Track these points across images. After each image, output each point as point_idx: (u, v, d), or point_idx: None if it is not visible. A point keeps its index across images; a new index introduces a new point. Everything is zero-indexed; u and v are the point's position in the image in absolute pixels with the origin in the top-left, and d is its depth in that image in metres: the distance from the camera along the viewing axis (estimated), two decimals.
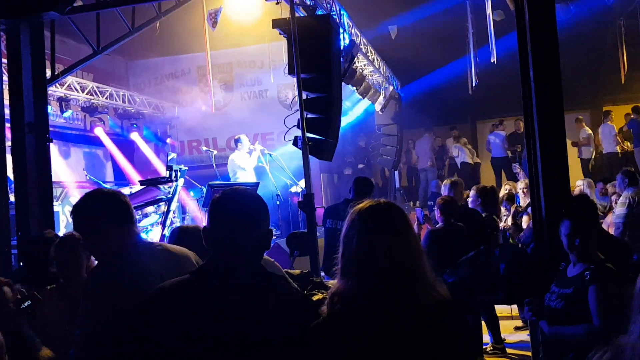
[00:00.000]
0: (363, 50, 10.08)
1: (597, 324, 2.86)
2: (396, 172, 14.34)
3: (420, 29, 11.71)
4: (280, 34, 6.02)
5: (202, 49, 10.50)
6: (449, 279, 4.38)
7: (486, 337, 5.75)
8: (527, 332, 5.03)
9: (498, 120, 13.77)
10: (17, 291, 2.98)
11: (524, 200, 7.36)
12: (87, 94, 11.52)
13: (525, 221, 6.47)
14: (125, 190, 9.20)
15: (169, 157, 8.75)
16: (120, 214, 2.30)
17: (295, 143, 5.74)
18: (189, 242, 2.65)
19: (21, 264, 4.65)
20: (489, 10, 10.01)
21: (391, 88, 12.72)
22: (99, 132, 12.40)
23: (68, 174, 11.12)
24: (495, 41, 10.11)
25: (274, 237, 4.20)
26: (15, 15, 5.44)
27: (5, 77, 5.61)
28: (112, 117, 12.82)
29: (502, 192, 7.76)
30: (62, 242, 3.14)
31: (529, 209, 5.20)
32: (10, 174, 5.64)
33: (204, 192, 8.85)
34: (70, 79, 10.70)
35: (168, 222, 8.19)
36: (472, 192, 6.12)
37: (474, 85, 11.89)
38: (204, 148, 12.68)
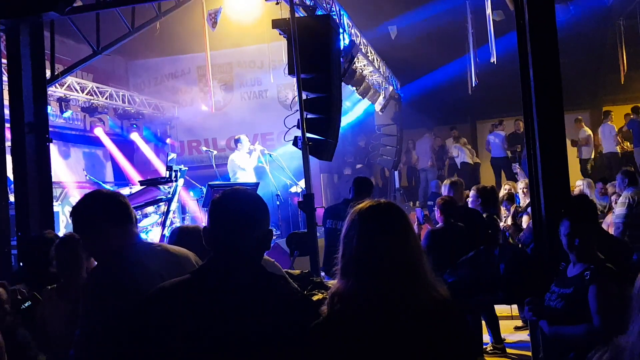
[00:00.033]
0: (363, 50, 10.08)
1: (597, 323, 2.86)
2: (396, 172, 14.34)
3: (420, 29, 11.71)
4: (280, 34, 6.02)
5: (202, 49, 10.50)
6: (449, 279, 4.38)
7: (486, 337, 5.75)
8: (527, 332, 5.03)
9: (498, 120, 13.77)
10: (18, 292, 2.99)
11: (523, 200, 7.36)
12: (86, 94, 11.52)
13: (525, 221, 6.47)
14: (125, 191, 9.21)
15: (169, 158, 8.76)
16: (120, 214, 2.30)
17: (295, 143, 5.74)
18: (189, 242, 2.66)
19: (21, 264, 4.65)
20: (488, 10, 10.01)
21: (391, 88, 12.72)
22: (99, 132, 12.40)
23: (68, 174, 11.12)
24: (495, 41, 10.12)
25: (274, 237, 4.20)
26: (15, 16, 5.44)
27: (5, 77, 5.61)
28: (112, 117, 12.82)
29: (502, 192, 7.77)
30: (63, 242, 3.14)
31: (529, 209, 5.20)
32: (10, 174, 5.64)
33: (204, 192, 8.85)
34: (70, 79, 10.70)
35: (168, 222, 8.19)
36: (472, 192, 6.12)
37: (473, 85, 11.89)
38: (204, 148, 12.68)
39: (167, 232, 7.88)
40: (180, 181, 8.34)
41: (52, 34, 6.02)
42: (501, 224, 6.31)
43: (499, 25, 10.19)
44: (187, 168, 8.78)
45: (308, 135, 5.64)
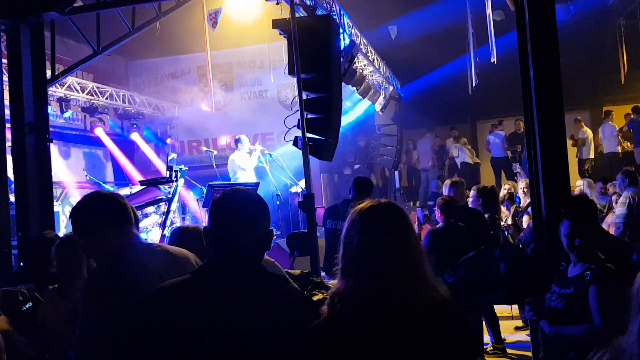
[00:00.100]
0: (363, 50, 10.09)
1: (597, 323, 2.86)
2: (396, 172, 14.34)
3: (420, 29, 11.71)
4: (280, 34, 6.02)
5: (202, 49, 10.51)
6: (449, 279, 4.38)
7: (486, 337, 5.75)
8: (527, 332, 5.03)
9: (497, 120, 13.77)
10: (19, 293, 2.99)
11: (524, 200, 7.36)
12: (87, 94, 11.52)
13: (525, 221, 6.47)
14: (126, 191, 9.22)
15: (169, 158, 8.76)
16: (119, 215, 2.31)
17: (295, 143, 5.74)
18: (189, 243, 2.66)
19: (21, 264, 4.66)
20: (489, 10, 10.01)
21: (391, 88, 12.72)
22: (99, 132, 12.40)
23: (68, 174, 11.12)
24: (495, 41, 10.12)
25: (274, 237, 4.20)
26: (15, 16, 5.44)
27: (5, 78, 5.61)
28: (112, 117, 12.82)
29: (503, 192, 7.77)
30: (63, 243, 3.14)
31: (529, 209, 5.20)
32: (10, 174, 5.64)
33: (204, 192, 8.86)
34: (70, 79, 10.71)
35: (168, 223, 8.19)
36: (472, 192, 6.12)
37: (474, 85, 11.89)
38: (204, 148, 12.69)
39: (167, 232, 7.88)
40: (181, 181, 8.34)
41: (52, 34, 6.02)
42: (502, 223, 6.31)
43: (499, 25, 10.20)
44: (187, 168, 8.79)
45: (308, 135, 5.64)
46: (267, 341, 1.71)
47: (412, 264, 1.76)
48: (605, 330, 2.78)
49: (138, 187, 8.92)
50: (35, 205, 5.43)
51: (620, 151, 12.32)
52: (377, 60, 11.36)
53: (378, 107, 12.72)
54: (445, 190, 6.26)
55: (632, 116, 12.08)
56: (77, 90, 11.24)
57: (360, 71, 10.36)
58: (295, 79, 5.69)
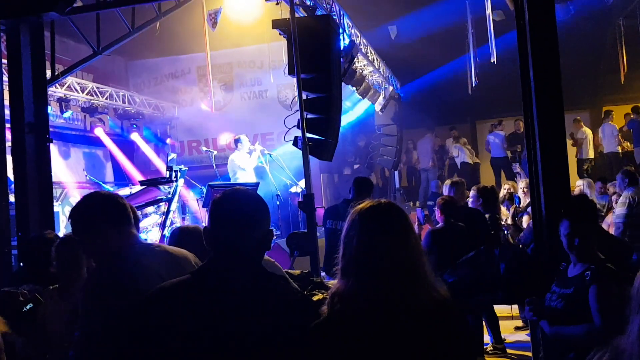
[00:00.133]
0: (363, 50, 10.09)
1: (597, 324, 2.86)
2: (396, 172, 14.35)
3: (420, 29, 11.71)
4: (280, 34, 6.02)
5: (202, 49, 10.50)
6: (449, 279, 4.38)
7: (486, 337, 5.75)
8: (527, 332, 5.03)
9: (497, 120, 13.77)
10: (20, 294, 2.99)
11: (524, 200, 7.36)
12: (87, 94, 11.52)
13: (525, 221, 6.47)
14: (126, 191, 9.22)
15: (169, 158, 8.76)
16: (118, 215, 2.32)
17: (295, 143, 5.74)
18: (189, 243, 2.66)
19: (21, 264, 4.66)
20: (488, 10, 10.01)
21: (391, 88, 12.73)
22: (99, 132, 12.40)
23: (68, 174, 11.12)
24: (495, 41, 10.11)
25: (274, 237, 4.20)
26: (15, 16, 5.44)
27: (5, 78, 5.61)
28: (112, 117, 12.82)
29: (503, 192, 7.77)
30: (63, 243, 3.14)
31: (529, 209, 5.20)
32: (10, 174, 5.64)
33: (204, 192, 8.86)
34: (70, 80, 10.71)
35: (168, 223, 8.19)
36: (472, 193, 6.12)
37: (473, 85, 11.89)
38: (204, 148, 12.69)
39: (167, 233, 7.88)
40: (181, 181, 8.34)
41: (52, 34, 6.02)
42: (503, 223, 6.32)
43: (499, 25, 10.19)
44: (187, 168, 8.79)
45: (308, 135, 5.65)
46: (267, 341, 1.71)
47: (412, 264, 1.76)
48: (605, 330, 2.78)
49: (138, 187, 8.91)
50: (35, 206, 5.43)
51: (620, 151, 12.32)
52: (377, 60, 11.36)
53: (378, 107, 12.72)
54: (445, 190, 6.27)
55: (631, 116, 12.09)
56: (77, 90, 11.24)
57: (360, 71, 10.36)
58: (295, 79, 5.69)
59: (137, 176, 12.19)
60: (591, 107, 14.90)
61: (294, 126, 5.78)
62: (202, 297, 1.76)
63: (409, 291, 1.72)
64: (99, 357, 2.12)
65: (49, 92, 7.19)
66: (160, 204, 8.38)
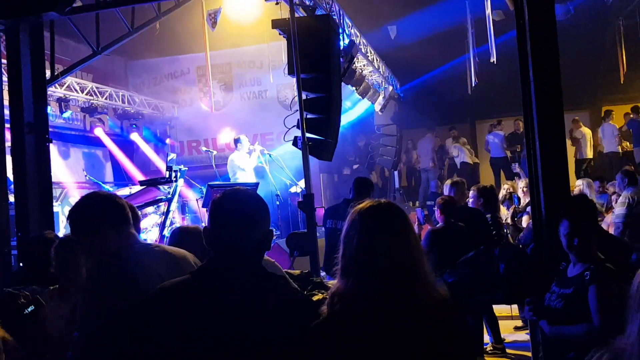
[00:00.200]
0: (362, 50, 10.09)
1: (597, 323, 2.86)
2: (396, 172, 14.34)
3: (420, 28, 11.70)
4: (279, 34, 6.02)
5: (201, 49, 10.51)
6: (449, 279, 4.38)
7: (486, 337, 5.75)
8: (527, 331, 5.03)
9: (496, 120, 13.77)
10: (21, 296, 2.99)
11: (524, 200, 7.37)
12: (86, 94, 11.52)
13: (525, 221, 6.47)
14: (125, 191, 9.21)
15: (169, 158, 8.76)
16: (117, 215, 2.32)
17: (295, 143, 5.74)
18: (189, 243, 2.66)
19: (21, 264, 4.65)
20: (488, 10, 10.01)
21: (391, 88, 12.73)
22: (99, 132, 12.40)
23: (67, 174, 11.12)
24: (494, 41, 10.11)
25: (274, 237, 4.20)
26: (15, 16, 5.44)
27: (4, 78, 5.61)
28: (111, 117, 12.82)
29: (502, 192, 7.77)
30: (62, 243, 3.14)
31: (529, 209, 5.20)
32: (10, 174, 5.64)
33: (204, 192, 8.86)
34: (69, 80, 10.70)
35: (168, 223, 8.19)
36: (472, 193, 6.11)
37: (473, 85, 11.89)
38: (204, 148, 12.69)
39: (167, 233, 7.88)
40: (180, 181, 8.34)
41: (52, 34, 6.01)
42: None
43: (499, 25, 10.18)
44: (187, 168, 8.79)
45: (308, 135, 5.65)
46: (267, 341, 1.71)
47: (412, 264, 1.76)
48: (605, 330, 2.78)
49: (137, 188, 8.91)
50: (35, 206, 5.43)
51: (620, 151, 12.32)
52: (377, 60, 11.36)
53: (377, 107, 12.72)
54: (445, 190, 6.27)
55: (631, 116, 12.09)
56: (76, 90, 11.23)
57: (360, 71, 10.36)
58: (294, 79, 5.69)
59: (137, 176, 12.18)
60: (591, 107, 14.91)
61: (294, 126, 5.78)
62: (202, 297, 1.76)
63: (409, 291, 1.72)
64: (98, 357, 2.11)
65: (49, 92, 7.19)
66: (160, 204, 8.37)
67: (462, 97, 13.25)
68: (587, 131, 12.65)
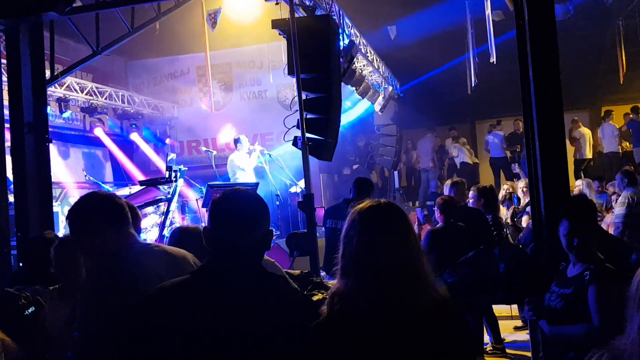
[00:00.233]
0: (362, 50, 10.09)
1: (596, 323, 2.86)
2: (396, 172, 14.34)
3: (420, 29, 11.71)
4: (279, 34, 6.02)
5: (201, 49, 10.50)
6: (449, 279, 4.38)
7: (486, 337, 5.75)
8: (527, 331, 5.03)
9: (496, 120, 13.78)
10: (22, 297, 2.99)
11: (524, 200, 7.37)
12: (86, 94, 11.52)
13: (524, 221, 6.47)
14: (125, 191, 9.21)
15: (169, 158, 8.76)
16: (116, 215, 2.32)
17: (294, 143, 5.74)
18: (189, 243, 2.66)
19: (21, 264, 4.65)
20: (488, 11, 10.01)
21: (390, 88, 12.73)
22: (99, 132, 12.39)
23: (67, 174, 11.12)
24: (494, 41, 10.11)
25: (274, 237, 4.20)
26: (15, 16, 5.43)
27: (4, 78, 5.61)
28: (111, 117, 12.81)
29: (502, 193, 7.77)
30: (62, 243, 3.14)
31: (529, 209, 5.20)
32: (10, 174, 5.64)
33: (204, 192, 8.86)
34: (69, 80, 10.70)
35: (168, 223, 8.19)
36: (472, 193, 6.12)
37: (473, 85, 11.89)
38: (204, 148, 12.69)
39: (166, 233, 7.88)
40: (180, 181, 8.34)
41: (51, 34, 6.01)
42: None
43: (498, 25, 10.19)
44: (186, 168, 8.79)
45: (308, 135, 5.65)
46: (267, 341, 1.71)
47: (412, 264, 1.76)
48: (605, 330, 2.78)
49: (137, 187, 8.91)
50: (35, 206, 5.43)
51: (620, 151, 12.32)
52: (377, 60, 11.36)
53: (377, 107, 12.72)
54: (445, 190, 6.27)
55: (631, 116, 12.09)
56: (76, 90, 11.23)
57: (360, 71, 10.36)
58: (294, 79, 5.69)
59: (137, 176, 12.18)
60: (590, 107, 14.91)
61: (294, 126, 5.78)
62: (202, 297, 1.76)
63: (408, 291, 1.72)
64: (98, 357, 2.11)
65: (48, 92, 7.18)
66: (160, 204, 8.37)
67: (462, 97, 13.25)
68: (586, 131, 12.65)
